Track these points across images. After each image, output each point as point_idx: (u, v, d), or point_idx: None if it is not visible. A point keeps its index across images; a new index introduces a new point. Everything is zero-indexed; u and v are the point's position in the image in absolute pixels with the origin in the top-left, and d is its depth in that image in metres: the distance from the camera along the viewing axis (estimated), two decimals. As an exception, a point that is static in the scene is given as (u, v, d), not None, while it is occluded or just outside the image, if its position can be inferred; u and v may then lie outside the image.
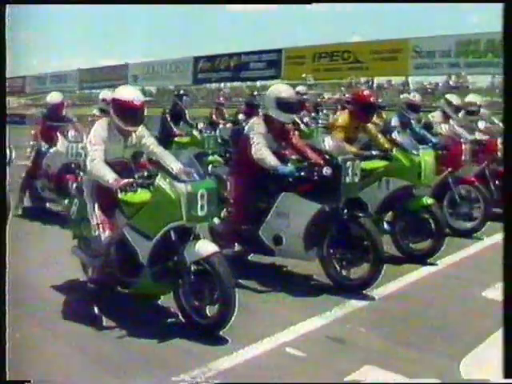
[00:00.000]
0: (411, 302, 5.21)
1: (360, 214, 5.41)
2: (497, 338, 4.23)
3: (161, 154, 4.85)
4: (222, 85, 37.58)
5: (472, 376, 3.76)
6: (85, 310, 4.69)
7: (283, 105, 5.61)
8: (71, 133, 8.56)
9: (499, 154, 8.28)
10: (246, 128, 5.87)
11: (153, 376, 3.74)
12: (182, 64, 40.78)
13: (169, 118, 10.96)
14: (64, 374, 3.74)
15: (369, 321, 4.74)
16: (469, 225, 7.50)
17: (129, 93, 4.83)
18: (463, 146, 7.41)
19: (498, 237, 7.14)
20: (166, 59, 41.90)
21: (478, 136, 8.22)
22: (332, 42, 34.77)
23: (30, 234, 7.47)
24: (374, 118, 7.52)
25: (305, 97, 12.31)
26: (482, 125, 8.61)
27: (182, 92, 12.45)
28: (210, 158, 9.71)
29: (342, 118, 6.67)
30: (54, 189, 8.49)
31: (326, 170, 5.28)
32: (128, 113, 4.69)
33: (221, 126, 11.82)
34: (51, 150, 8.65)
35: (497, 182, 8.23)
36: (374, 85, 31.55)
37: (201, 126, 11.07)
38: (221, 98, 16.14)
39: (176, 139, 10.58)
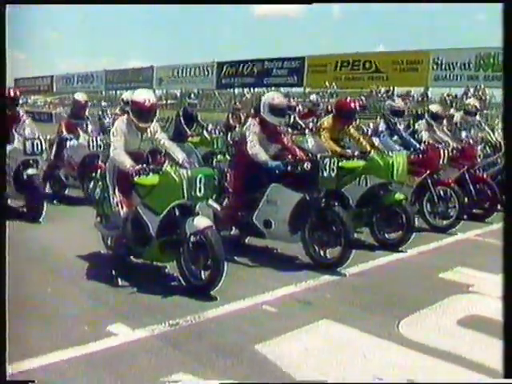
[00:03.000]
0: (375, 278, 6.20)
1: (335, 204, 6.40)
2: (437, 307, 5.25)
3: (170, 147, 5.93)
4: (245, 90, 38.29)
5: (407, 332, 4.69)
6: (104, 272, 5.78)
7: (274, 110, 6.64)
8: (91, 128, 9.78)
9: (478, 160, 9.25)
10: (244, 128, 6.93)
11: (155, 320, 4.76)
12: (206, 68, 41.61)
13: (182, 120, 12.06)
14: (86, 319, 4.76)
15: (335, 290, 5.75)
16: (445, 222, 8.39)
17: (144, 95, 5.90)
18: (440, 152, 8.33)
19: (470, 233, 8.17)
20: (190, 63, 42.68)
21: (457, 143, 9.12)
22: (355, 51, 35.31)
23: (55, 214, 8.66)
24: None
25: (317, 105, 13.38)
26: (463, 134, 9.57)
27: (192, 96, 13.53)
28: (219, 157, 10.75)
29: (327, 121, 7.71)
30: (77, 176, 9.67)
31: (307, 165, 6.31)
32: (143, 112, 5.79)
33: (237, 129, 12.90)
34: (74, 143, 9.83)
35: (477, 186, 9.15)
36: (394, 95, 32.24)
37: (210, 127, 12.17)
38: (237, 104, 17.25)
39: (188, 139, 11.66)
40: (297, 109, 13.64)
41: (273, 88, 36.23)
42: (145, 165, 5.62)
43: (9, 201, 8.88)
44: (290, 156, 6.61)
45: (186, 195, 5.35)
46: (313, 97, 14.99)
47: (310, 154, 6.47)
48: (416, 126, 9.26)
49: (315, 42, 73.98)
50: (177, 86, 41.93)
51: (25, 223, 8.23)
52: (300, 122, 12.34)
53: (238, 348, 4.30)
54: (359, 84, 33.68)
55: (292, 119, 12.86)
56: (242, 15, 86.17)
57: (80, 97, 10.65)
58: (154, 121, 5.96)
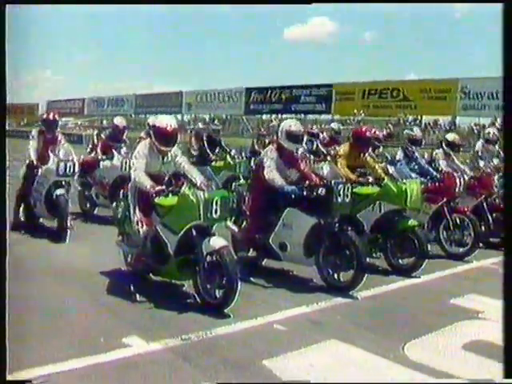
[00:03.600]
0: (386, 302, 6.35)
1: (348, 228, 6.59)
2: (444, 331, 5.37)
3: (189, 170, 6.22)
4: (273, 116, 38.67)
5: (411, 354, 4.81)
6: (123, 288, 6.04)
7: (291, 136, 6.89)
8: (124, 150, 10.16)
9: (495, 189, 9.34)
10: (262, 154, 7.19)
11: (168, 334, 4.98)
12: (235, 94, 42.20)
13: (206, 145, 12.40)
14: (102, 331, 5.00)
15: (346, 312, 5.90)
16: (461, 250, 8.49)
17: (166, 121, 6.23)
18: (456, 180, 8.47)
19: (486, 261, 8.25)
20: (219, 88, 43.40)
21: (475, 172, 9.25)
22: (384, 79, 35.49)
23: (82, 233, 8.99)
24: None
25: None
26: (481, 163, 9.69)
27: (215, 122, 13.87)
28: (241, 181, 11.02)
29: (344, 148, 7.94)
30: (107, 196, 10.02)
31: (321, 191, 6.52)
32: (164, 137, 6.10)
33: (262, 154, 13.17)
34: (107, 164, 10.24)
35: (494, 215, 9.23)
36: (422, 123, 32.31)
37: (233, 152, 12.49)
38: (262, 130, 17.62)
39: (212, 163, 11.99)
40: (320, 136, 13.93)
41: (302, 115, 36.89)
42: (164, 186, 5.89)
43: (41, 219, 9.33)
44: (305, 181, 6.82)
45: (202, 216, 5.61)
46: (334, 125, 15.31)
47: (324, 180, 6.68)
48: (434, 155, 9.41)
49: (344, 67, 74.35)
50: (205, 110, 42.55)
51: (52, 241, 8.60)
52: (322, 149, 12.60)
53: (245, 362, 4.50)
54: (387, 112, 33.87)
55: (315, 146, 13.16)
56: (271, 40, 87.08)
57: (119, 121, 11.18)
58: (175, 145, 6.25)
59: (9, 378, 3.73)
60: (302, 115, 37.02)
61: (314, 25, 78.87)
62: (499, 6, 4.09)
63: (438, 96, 32.38)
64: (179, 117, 43.25)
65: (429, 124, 32.60)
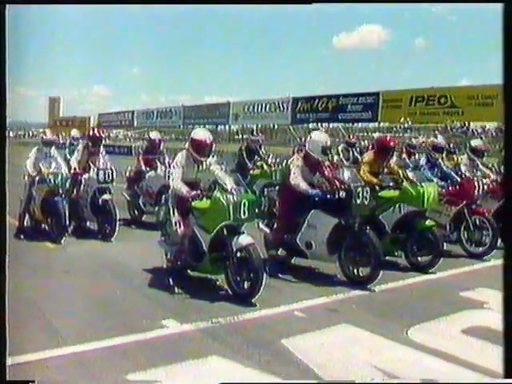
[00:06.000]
0: (400, 294, 6.98)
1: (367, 228, 7.23)
2: (447, 318, 5.95)
3: (222, 177, 6.99)
4: (320, 125, 39.00)
5: (413, 336, 5.44)
6: (163, 282, 6.87)
7: (318, 146, 7.58)
8: (168, 160, 11.08)
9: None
10: (289, 162, 7.93)
11: (200, 318, 5.77)
12: (281, 104, 42.63)
13: (244, 154, 13.24)
14: (144, 315, 5.82)
15: (362, 302, 6.56)
16: (480, 249, 9.00)
17: (202, 134, 7.06)
18: (475, 184, 9.00)
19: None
20: (265, 99, 43.86)
21: (499, 176, 9.71)
22: (430, 86, 35.43)
23: (129, 236, 9.97)
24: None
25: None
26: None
27: (254, 133, 14.73)
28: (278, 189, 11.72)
29: (369, 155, 8.59)
30: (154, 204, 10.93)
31: (342, 194, 7.21)
32: (200, 148, 6.91)
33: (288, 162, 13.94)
34: (152, 174, 11.20)
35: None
36: (469, 130, 32.26)
37: (270, 161, 13.26)
38: (302, 140, 18.35)
39: (250, 172, 12.80)
40: (356, 144, 14.60)
41: (350, 124, 37.21)
42: (199, 191, 6.70)
43: (87, 223, 10.36)
44: (328, 185, 7.51)
45: (232, 217, 6.40)
46: (376, 134, 15.91)
47: (345, 185, 7.35)
48: (459, 160, 9.95)
49: (394, 74, 73.88)
50: (252, 121, 42.98)
51: (99, 242, 9.67)
52: (358, 156, 13.25)
53: (266, 341, 5.23)
54: (434, 119, 33.73)
55: (351, 154, 13.86)
56: (321, 49, 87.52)
57: (154, 135, 12.25)
58: (210, 155, 7.05)
59: (9, 378, 4.16)
60: (350, 124, 37.22)
61: (362, 32, 78.79)
62: (499, 6, 4.23)
63: (486, 102, 31.97)
64: (227, 127, 44.27)
65: (476, 130, 32.49)
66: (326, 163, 7.82)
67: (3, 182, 4.37)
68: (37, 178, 9.63)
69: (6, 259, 4.17)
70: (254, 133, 14.92)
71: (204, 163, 7.06)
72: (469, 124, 33.04)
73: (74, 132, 11.94)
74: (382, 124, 35.75)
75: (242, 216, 6.44)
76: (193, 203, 6.67)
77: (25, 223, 10.07)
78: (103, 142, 10.96)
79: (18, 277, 7.15)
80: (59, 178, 9.51)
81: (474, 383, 4.58)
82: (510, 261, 4.38)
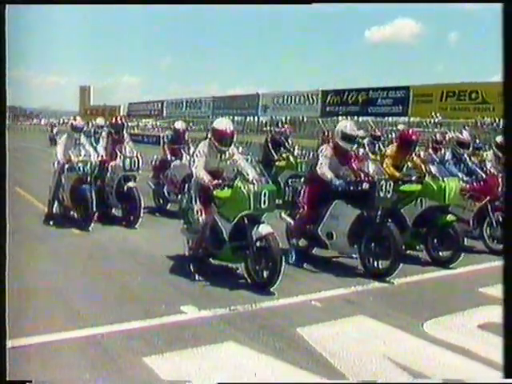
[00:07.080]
0: (418, 288, 6.99)
1: (388, 221, 7.25)
2: (464, 313, 5.96)
3: (244, 166, 7.05)
4: (350, 119, 38.71)
5: (428, 329, 5.47)
6: (184, 269, 7.01)
7: (345, 137, 7.58)
8: (192, 149, 11.21)
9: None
10: (318, 151, 7.98)
11: (219, 305, 5.87)
12: (311, 96, 42.44)
13: (270, 145, 13.30)
14: (163, 300, 5.96)
15: (379, 295, 6.59)
16: (502, 246, 8.91)
17: (224, 124, 7.15)
18: (499, 180, 8.91)
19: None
20: (295, 91, 43.78)
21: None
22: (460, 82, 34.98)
23: (153, 224, 10.18)
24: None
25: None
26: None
27: (279, 125, 14.79)
28: (303, 179, 11.77)
29: (391, 149, 8.59)
30: (178, 193, 11.08)
31: (365, 185, 7.25)
32: (222, 137, 6.99)
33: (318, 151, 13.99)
34: (177, 164, 11.34)
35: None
36: (499, 127, 31.78)
37: (296, 152, 13.30)
38: (327, 132, 18.31)
39: (276, 163, 12.87)
40: (382, 138, 14.54)
41: (379, 118, 36.86)
42: (221, 180, 6.79)
43: (112, 209, 10.55)
44: (353, 177, 7.54)
45: (252, 206, 6.47)
46: (400, 126, 15.80)
47: (369, 177, 7.38)
48: (484, 156, 9.87)
49: (426, 69, 73.18)
50: (282, 112, 42.90)
51: (123, 229, 9.87)
52: (383, 149, 13.20)
53: (281, 329, 5.32)
54: (465, 114, 33.26)
55: (377, 148, 13.82)
56: (354, 43, 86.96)
57: (179, 125, 12.38)
58: (232, 145, 7.12)
59: (9, 378, 4.05)
60: (379, 118, 36.86)
61: (395, 26, 78.00)
62: (499, 6, 4.22)
63: (517, 98, 31.41)
64: (256, 118, 44.25)
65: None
66: (354, 154, 7.85)
67: (3, 182, 4.23)
68: (66, 166, 9.84)
69: (6, 259, 4.08)
70: (279, 124, 14.93)
71: (227, 153, 7.14)
72: (499, 120, 32.57)
73: (99, 120, 12.11)
74: (412, 119, 35.39)
75: (262, 206, 6.50)
76: (214, 192, 6.76)
77: (53, 210, 10.30)
78: (126, 130, 11.11)
79: (44, 262, 7.46)
80: (88, 166, 9.71)
81: (474, 383, 4.55)
82: (510, 261, 4.35)
